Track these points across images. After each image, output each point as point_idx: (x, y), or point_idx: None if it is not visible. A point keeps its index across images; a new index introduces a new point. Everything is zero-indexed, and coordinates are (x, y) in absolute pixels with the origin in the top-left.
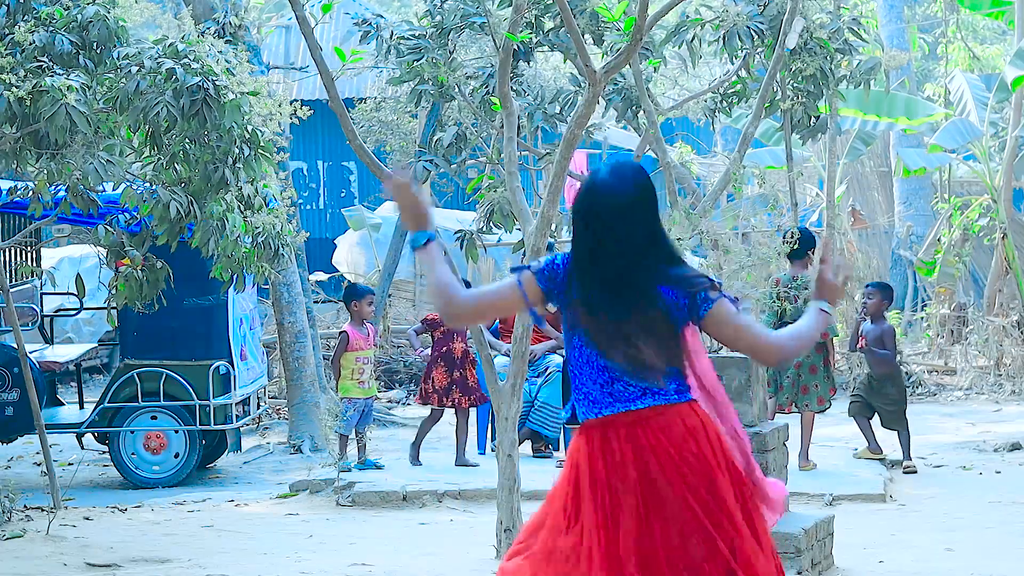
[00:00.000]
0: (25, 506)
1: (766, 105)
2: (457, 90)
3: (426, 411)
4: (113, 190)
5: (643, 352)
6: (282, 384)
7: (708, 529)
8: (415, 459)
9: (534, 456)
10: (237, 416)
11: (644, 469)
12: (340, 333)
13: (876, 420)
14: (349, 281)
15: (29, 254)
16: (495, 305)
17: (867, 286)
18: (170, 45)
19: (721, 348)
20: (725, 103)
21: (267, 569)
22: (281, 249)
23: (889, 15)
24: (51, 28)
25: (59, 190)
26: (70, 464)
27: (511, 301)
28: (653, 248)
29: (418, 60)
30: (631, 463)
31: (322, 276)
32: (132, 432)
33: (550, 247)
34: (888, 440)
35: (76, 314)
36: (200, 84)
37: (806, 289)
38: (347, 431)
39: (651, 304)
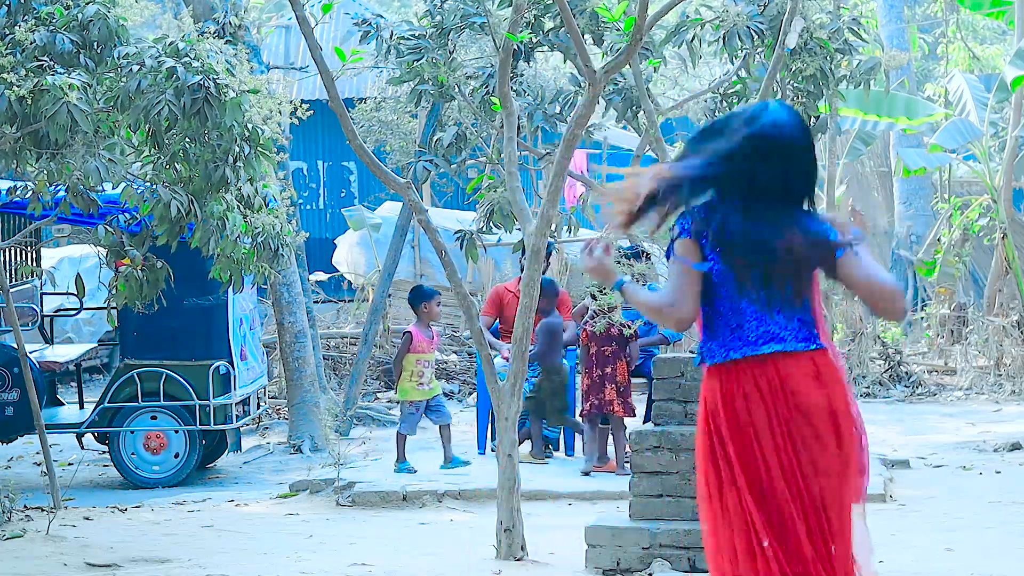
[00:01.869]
0: (25, 506)
1: None
2: (457, 90)
3: None
4: (113, 189)
5: (785, 290)
6: (282, 384)
7: (834, 473)
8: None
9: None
10: (237, 416)
11: (774, 407)
12: (404, 333)
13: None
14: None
15: (29, 254)
16: (694, 290)
17: (545, 282)
18: (171, 44)
19: None
20: (725, 103)
21: (267, 569)
22: (281, 249)
23: (889, 15)
24: (52, 27)
25: (59, 190)
26: (70, 464)
27: (695, 276)
28: (811, 192)
29: (418, 60)
30: (760, 401)
31: (322, 276)
32: (132, 432)
33: (549, 247)
34: (888, 440)
35: (76, 314)
36: (201, 83)
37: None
38: (410, 431)
39: (800, 242)
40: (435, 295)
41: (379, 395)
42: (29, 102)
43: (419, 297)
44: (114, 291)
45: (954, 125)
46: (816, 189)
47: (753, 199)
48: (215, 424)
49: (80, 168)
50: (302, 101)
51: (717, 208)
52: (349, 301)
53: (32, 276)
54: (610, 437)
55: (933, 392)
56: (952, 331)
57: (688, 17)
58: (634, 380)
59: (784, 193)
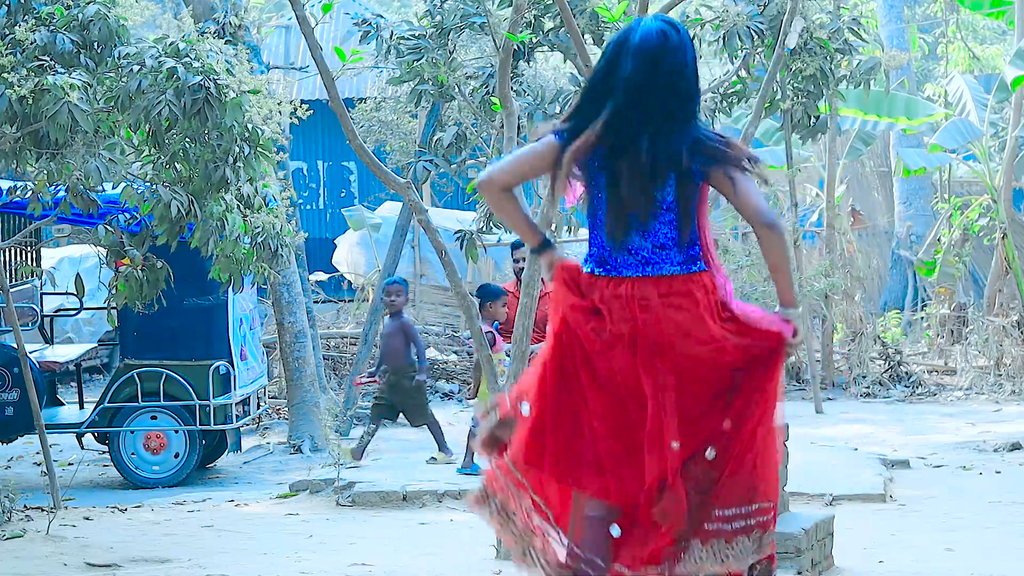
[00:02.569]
0: (25, 506)
1: (766, 105)
2: (457, 90)
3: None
4: (113, 189)
5: (660, 207)
6: (282, 384)
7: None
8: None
9: None
10: (237, 416)
11: (640, 326)
12: (487, 333)
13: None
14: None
15: (29, 254)
16: (516, 170)
17: (387, 283)
18: (171, 44)
19: None
20: (725, 103)
21: (267, 569)
22: (280, 249)
23: (889, 15)
24: (52, 27)
25: (59, 190)
26: (70, 464)
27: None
28: (691, 102)
29: (418, 60)
30: (629, 320)
31: (322, 276)
32: (132, 432)
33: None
34: (888, 440)
35: (76, 314)
36: (201, 83)
37: None
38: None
39: (677, 159)
40: (502, 295)
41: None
42: (29, 102)
43: (486, 296)
44: (114, 291)
45: (954, 125)
46: (697, 101)
47: (635, 115)
48: (215, 424)
49: (80, 168)
50: (302, 101)
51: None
52: (349, 301)
53: (32, 276)
54: None
55: (933, 392)
56: (952, 331)
57: (688, 17)
58: None
59: (663, 104)
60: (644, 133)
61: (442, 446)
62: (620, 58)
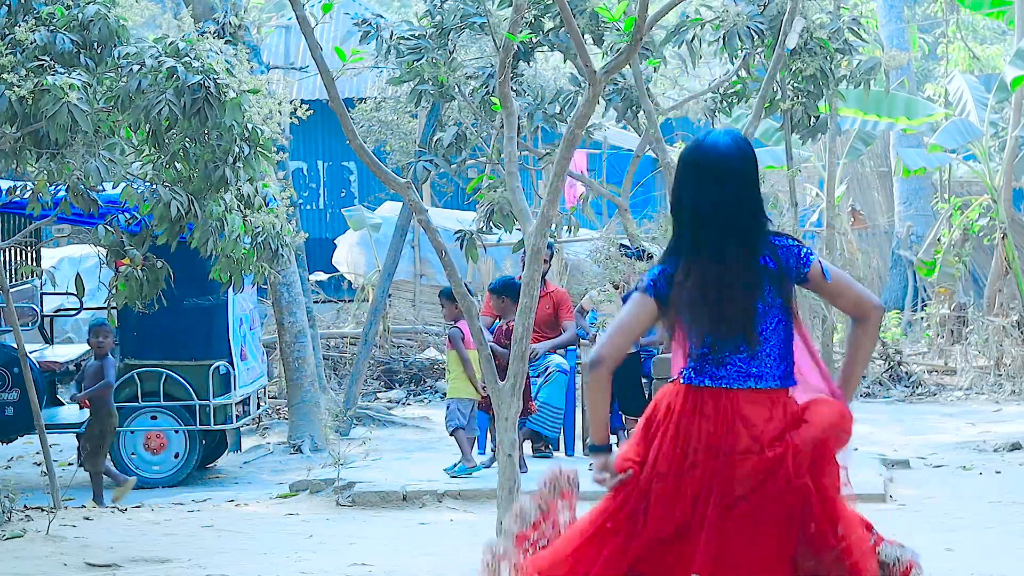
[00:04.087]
0: (25, 506)
1: (766, 105)
2: (457, 90)
3: (417, 412)
4: (113, 189)
5: (737, 331)
6: (282, 384)
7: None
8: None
9: (534, 456)
10: (237, 416)
11: (719, 444)
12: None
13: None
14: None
15: (29, 254)
16: (623, 338)
17: (93, 323)
18: (171, 44)
19: None
20: (725, 103)
21: (267, 569)
22: (280, 249)
23: (889, 15)
24: (52, 27)
25: (59, 190)
26: (70, 464)
27: (635, 328)
28: (760, 214)
29: (418, 60)
30: (712, 434)
31: (322, 276)
32: (132, 432)
33: (549, 247)
34: (888, 440)
35: (76, 314)
36: (201, 83)
37: None
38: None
39: (758, 267)
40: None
41: (379, 395)
42: (29, 102)
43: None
44: (114, 291)
45: (954, 125)
46: (764, 217)
47: (703, 237)
48: (215, 424)
49: (80, 168)
50: (302, 101)
51: (676, 260)
52: (349, 301)
53: (32, 276)
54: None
55: (933, 392)
56: (952, 331)
57: (688, 17)
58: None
59: (728, 222)
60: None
61: (98, 496)
62: (696, 179)
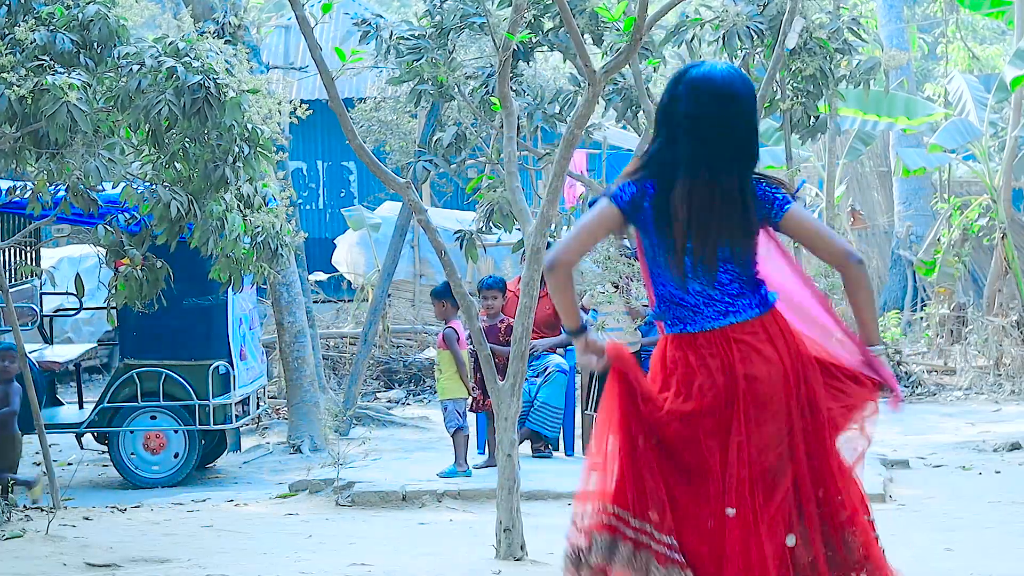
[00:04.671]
0: (24, 506)
1: (766, 105)
2: (457, 90)
3: (417, 412)
4: (113, 189)
5: (726, 255)
6: (282, 384)
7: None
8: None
9: (533, 456)
10: (236, 416)
11: (732, 377)
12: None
13: None
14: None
15: (29, 254)
16: (583, 240)
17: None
18: (171, 44)
19: None
20: None
21: (267, 569)
22: (280, 249)
23: (889, 15)
24: (52, 27)
25: (59, 190)
26: (69, 464)
27: (596, 232)
28: (755, 145)
29: (418, 60)
30: (718, 371)
31: (322, 276)
32: (132, 432)
33: (549, 247)
34: (888, 440)
35: (76, 314)
36: (201, 83)
37: None
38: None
39: (743, 206)
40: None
41: (379, 395)
42: (29, 102)
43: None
44: (114, 291)
45: (954, 125)
46: (757, 149)
47: (700, 154)
48: (215, 424)
49: (80, 168)
50: (301, 101)
51: (659, 182)
52: (349, 301)
53: (32, 276)
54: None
55: (933, 392)
56: (952, 331)
57: (688, 17)
58: None
59: (726, 144)
60: (719, 172)
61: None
62: (680, 94)
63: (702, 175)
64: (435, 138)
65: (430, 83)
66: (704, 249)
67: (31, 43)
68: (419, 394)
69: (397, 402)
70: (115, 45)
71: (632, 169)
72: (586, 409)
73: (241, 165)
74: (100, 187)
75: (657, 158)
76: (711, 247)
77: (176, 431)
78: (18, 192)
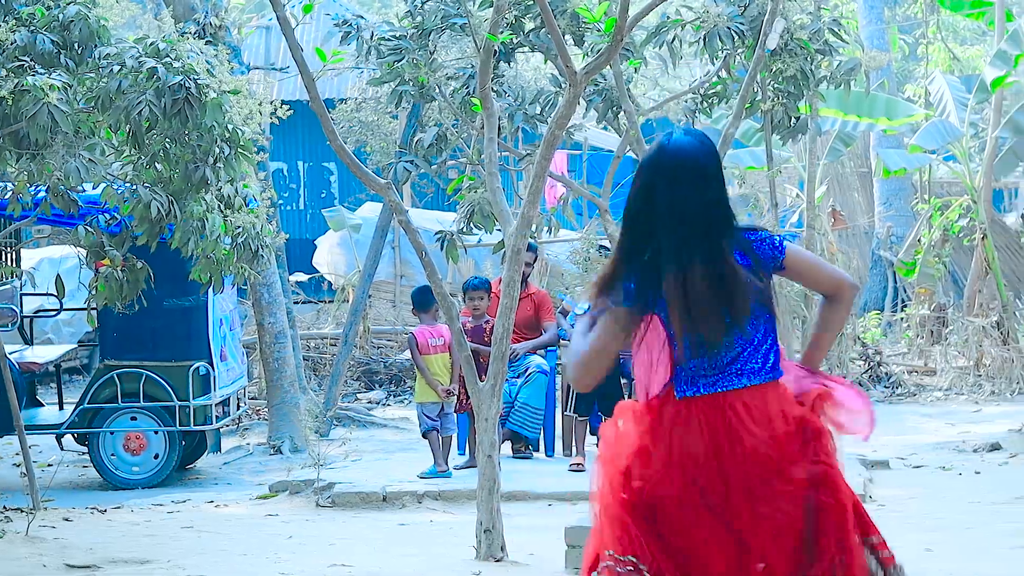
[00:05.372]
0: (4, 507)
1: (746, 106)
2: (438, 91)
3: (397, 413)
4: (93, 190)
5: (721, 329)
6: (262, 385)
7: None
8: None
9: (514, 457)
10: (217, 417)
11: (717, 451)
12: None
13: None
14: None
15: (9, 255)
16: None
17: None
18: (151, 44)
19: None
20: (705, 104)
21: (247, 570)
22: (261, 250)
23: (869, 16)
24: (32, 27)
25: (39, 190)
26: (49, 465)
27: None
28: (730, 209)
29: (399, 61)
30: (708, 443)
31: (302, 277)
32: (112, 433)
33: (534, 249)
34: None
35: (56, 315)
36: (181, 83)
37: None
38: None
39: (731, 265)
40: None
41: (359, 396)
42: (9, 102)
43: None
44: (94, 292)
45: (934, 126)
46: (730, 212)
47: (678, 238)
48: (195, 425)
49: (60, 168)
50: (282, 102)
51: (649, 269)
52: (329, 302)
53: (12, 277)
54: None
55: (913, 392)
56: (932, 332)
57: (669, 18)
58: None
59: (709, 221)
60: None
61: None
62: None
63: (699, 256)
64: (416, 139)
65: (411, 84)
66: (709, 333)
67: (11, 44)
68: (399, 395)
69: (377, 403)
70: (96, 46)
71: (609, 273)
72: (566, 410)
73: (222, 166)
74: (80, 188)
75: (638, 253)
76: (715, 330)
77: (156, 432)
78: None
